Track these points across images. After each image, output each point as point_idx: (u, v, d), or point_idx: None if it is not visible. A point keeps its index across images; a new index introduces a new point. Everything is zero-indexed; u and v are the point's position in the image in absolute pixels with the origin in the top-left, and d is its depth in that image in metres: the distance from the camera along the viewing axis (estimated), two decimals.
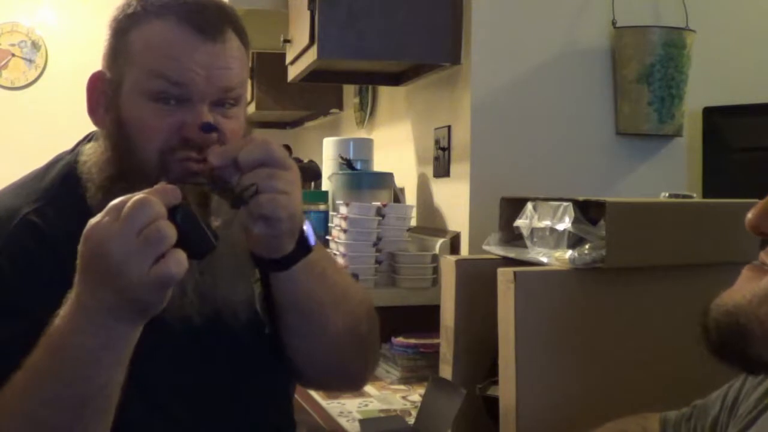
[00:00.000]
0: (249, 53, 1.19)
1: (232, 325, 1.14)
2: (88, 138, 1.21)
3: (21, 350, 0.97)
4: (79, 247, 0.94)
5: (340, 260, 2.14)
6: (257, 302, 1.18)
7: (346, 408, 1.69)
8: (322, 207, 2.45)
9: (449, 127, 2.19)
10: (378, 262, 2.15)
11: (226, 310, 1.13)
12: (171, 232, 0.91)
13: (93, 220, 0.94)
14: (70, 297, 0.96)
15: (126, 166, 1.10)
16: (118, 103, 1.12)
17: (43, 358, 0.96)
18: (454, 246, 2.14)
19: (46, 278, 1.06)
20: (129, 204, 0.91)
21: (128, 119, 1.11)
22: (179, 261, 0.91)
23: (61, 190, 1.15)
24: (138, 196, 0.92)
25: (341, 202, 2.24)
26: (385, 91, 2.88)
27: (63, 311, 0.96)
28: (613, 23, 2.07)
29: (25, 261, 1.08)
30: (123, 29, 1.14)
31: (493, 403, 1.33)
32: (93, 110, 1.16)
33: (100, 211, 0.96)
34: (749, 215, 0.78)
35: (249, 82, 3.32)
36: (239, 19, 1.17)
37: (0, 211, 1.12)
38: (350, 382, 1.37)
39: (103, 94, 1.14)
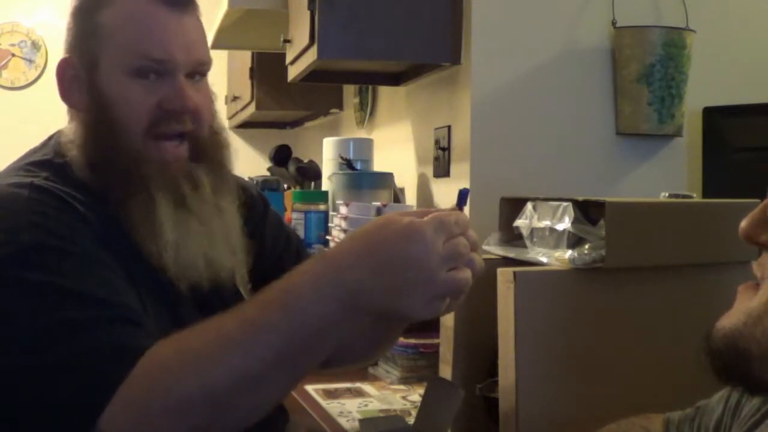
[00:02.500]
0: None
1: (230, 296, 1.19)
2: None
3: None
4: (372, 231, 0.93)
5: None
6: (240, 282, 1.23)
7: (345, 408, 1.69)
8: (322, 207, 2.45)
9: (449, 127, 2.19)
10: None
11: (225, 281, 1.18)
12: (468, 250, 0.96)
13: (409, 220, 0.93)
14: (318, 264, 0.95)
15: (107, 144, 1.14)
16: (96, 83, 1.15)
17: (273, 314, 0.94)
18: None
19: (80, 225, 1.08)
20: (449, 217, 0.94)
21: (111, 97, 1.14)
22: (468, 277, 0.95)
23: (54, 164, 1.16)
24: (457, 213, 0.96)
25: (341, 202, 2.24)
26: (385, 91, 2.88)
27: (302, 276, 0.95)
28: (613, 23, 2.07)
29: (62, 217, 1.07)
30: (89, 11, 1.16)
31: (493, 403, 1.33)
32: (66, 95, 1.19)
33: (94, 184, 1.12)
34: (742, 224, 0.77)
35: (249, 82, 3.29)
36: None
37: (4, 192, 1.10)
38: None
39: (74, 78, 1.18)
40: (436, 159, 2.27)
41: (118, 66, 1.14)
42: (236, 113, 4.27)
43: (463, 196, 1.02)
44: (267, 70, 3.47)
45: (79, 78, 1.17)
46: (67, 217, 1.07)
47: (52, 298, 0.99)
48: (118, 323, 0.99)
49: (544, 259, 1.37)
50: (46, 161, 1.17)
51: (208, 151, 1.21)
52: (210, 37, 3.05)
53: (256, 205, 1.36)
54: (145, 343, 0.97)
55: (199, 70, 1.19)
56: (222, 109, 4.58)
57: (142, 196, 1.12)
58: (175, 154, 1.17)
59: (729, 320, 0.76)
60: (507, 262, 1.45)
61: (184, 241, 1.14)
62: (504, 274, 1.28)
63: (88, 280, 1.02)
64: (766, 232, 0.76)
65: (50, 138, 1.23)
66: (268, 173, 3.51)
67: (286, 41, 2.44)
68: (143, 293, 1.09)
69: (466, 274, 0.95)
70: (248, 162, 4.64)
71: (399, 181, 2.56)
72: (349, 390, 1.83)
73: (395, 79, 2.51)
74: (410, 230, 0.92)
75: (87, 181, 1.14)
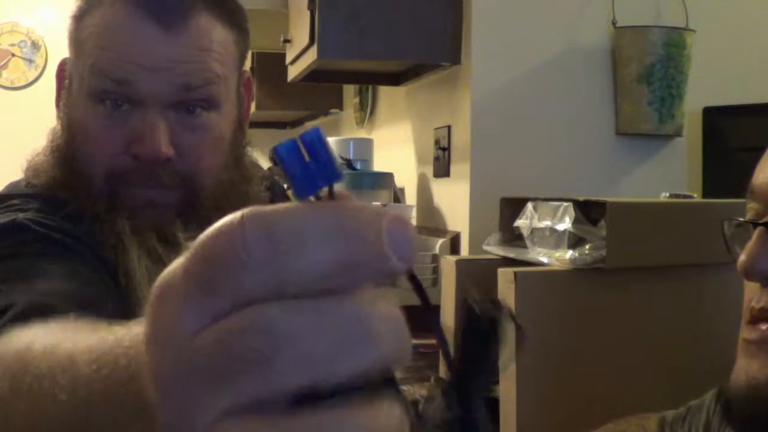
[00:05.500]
0: (243, 38, 1.00)
1: None
2: None
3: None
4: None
5: None
6: None
7: None
8: None
9: (449, 127, 2.19)
10: None
11: None
12: None
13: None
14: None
15: (71, 178, 0.93)
16: (68, 98, 0.95)
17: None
18: (454, 246, 2.13)
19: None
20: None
21: (73, 123, 0.93)
22: None
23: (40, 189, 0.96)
24: None
25: None
26: (385, 91, 2.88)
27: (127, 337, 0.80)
28: (613, 23, 2.07)
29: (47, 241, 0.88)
30: (79, 14, 0.96)
31: (493, 403, 1.33)
32: (57, 101, 0.99)
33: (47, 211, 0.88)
34: (742, 257, 0.75)
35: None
36: None
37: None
38: None
39: (61, 86, 0.98)
40: (436, 159, 2.27)
41: (83, 85, 0.92)
42: None
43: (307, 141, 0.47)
44: (267, 70, 3.47)
45: (63, 88, 0.98)
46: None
47: None
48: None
49: (544, 260, 1.37)
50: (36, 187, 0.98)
51: (207, 207, 0.94)
52: None
53: None
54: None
55: (190, 99, 0.91)
56: None
57: (118, 248, 0.90)
58: (158, 202, 0.92)
59: (762, 373, 0.73)
60: (507, 262, 1.45)
61: None
62: (504, 275, 1.28)
63: None
64: None
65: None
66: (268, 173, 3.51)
67: (286, 41, 2.44)
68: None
69: None
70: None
71: (399, 181, 2.55)
72: None
73: (395, 79, 2.51)
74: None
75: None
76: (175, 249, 0.91)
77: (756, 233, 0.76)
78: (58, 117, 0.97)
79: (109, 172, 0.91)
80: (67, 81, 0.97)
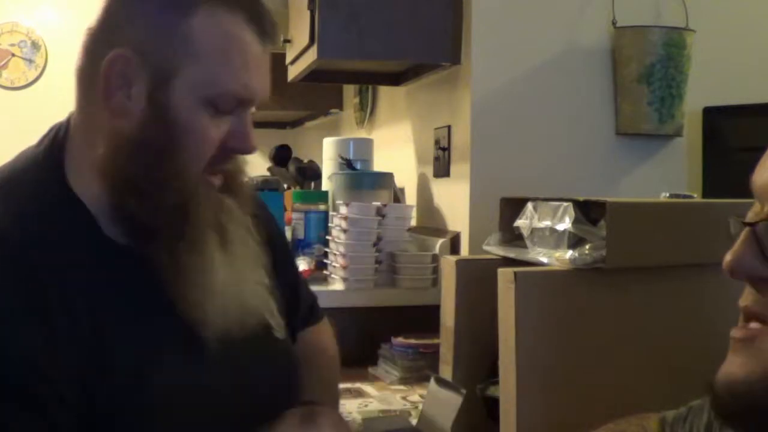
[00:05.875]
0: None
1: (258, 336, 1.08)
2: (53, 135, 1.05)
3: None
4: None
5: (341, 260, 2.14)
6: (272, 312, 1.12)
7: (346, 408, 1.68)
8: (322, 207, 2.45)
9: (449, 127, 2.19)
10: (378, 262, 2.15)
11: (252, 318, 1.06)
12: None
13: None
14: None
15: (166, 172, 0.98)
16: (163, 96, 0.97)
17: None
18: (454, 246, 2.14)
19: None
20: None
21: (178, 123, 0.98)
22: None
23: (46, 186, 1.00)
24: None
25: (341, 202, 2.24)
26: (385, 91, 2.88)
27: None
28: (613, 23, 2.07)
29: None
30: (178, 9, 0.98)
31: (493, 403, 1.33)
32: (108, 95, 0.98)
33: (114, 211, 0.97)
34: (727, 257, 0.76)
35: None
36: None
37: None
38: None
39: (122, 77, 0.97)
40: (436, 159, 2.27)
41: (196, 89, 0.98)
42: None
43: None
44: None
45: (134, 81, 0.97)
46: (16, 308, 0.91)
47: None
48: None
49: (544, 260, 1.37)
50: (37, 176, 1.01)
51: (240, 184, 1.11)
52: None
53: (274, 238, 1.22)
54: None
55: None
56: None
57: (195, 239, 0.99)
58: (214, 186, 1.05)
59: (744, 367, 0.73)
60: (507, 262, 1.45)
61: (226, 291, 1.02)
62: (504, 275, 1.28)
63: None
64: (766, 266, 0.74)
65: (53, 139, 1.04)
66: (268, 173, 3.51)
67: (286, 41, 2.44)
68: (155, 342, 0.98)
69: None
70: (248, 162, 4.64)
71: (399, 181, 2.55)
72: (349, 390, 1.83)
73: (395, 79, 2.51)
74: None
75: (94, 211, 0.99)
76: (233, 226, 1.04)
77: (744, 233, 0.76)
78: (123, 109, 0.98)
79: (209, 164, 1.01)
80: (144, 73, 0.97)
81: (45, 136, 1.06)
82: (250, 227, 1.09)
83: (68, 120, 1.06)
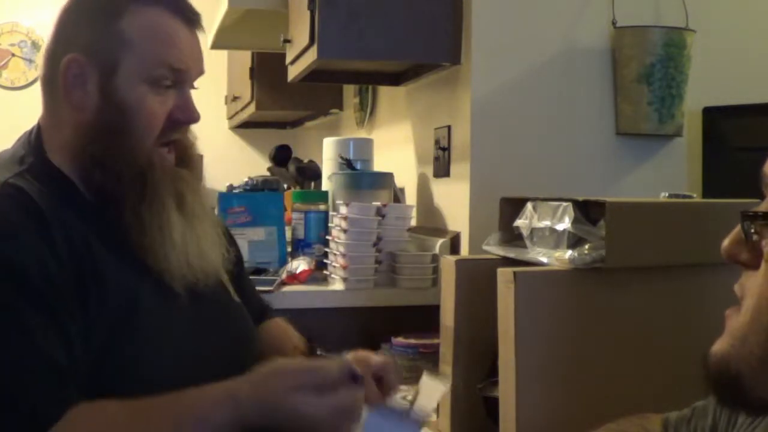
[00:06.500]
0: None
1: (220, 289, 1.28)
2: (27, 134, 1.25)
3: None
4: (271, 380, 1.07)
5: (341, 260, 2.14)
6: (226, 279, 1.31)
7: None
8: (322, 207, 2.45)
9: (449, 127, 2.19)
10: (378, 262, 2.15)
11: (211, 275, 1.25)
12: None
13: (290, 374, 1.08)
14: (221, 394, 1.07)
15: (122, 148, 1.17)
16: (112, 87, 1.17)
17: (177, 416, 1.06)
18: (454, 246, 2.14)
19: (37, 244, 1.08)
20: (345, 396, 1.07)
21: (128, 103, 1.17)
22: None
23: (33, 161, 1.19)
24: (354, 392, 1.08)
25: (341, 202, 2.24)
26: (385, 91, 2.88)
27: (207, 395, 1.07)
28: (613, 23, 2.07)
29: (27, 229, 1.09)
30: (111, 14, 1.19)
31: (493, 403, 1.33)
32: (67, 93, 1.19)
33: (89, 186, 1.17)
34: (724, 243, 0.78)
35: (249, 82, 3.30)
36: None
37: None
38: None
39: (79, 77, 1.18)
40: (436, 159, 2.27)
41: (138, 73, 1.17)
42: (236, 113, 4.27)
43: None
44: (267, 70, 3.47)
45: (87, 79, 1.18)
46: (31, 232, 1.08)
47: None
48: (37, 385, 1.03)
49: (544, 259, 1.37)
50: (24, 157, 1.19)
51: (191, 156, 1.29)
52: (210, 37, 3.05)
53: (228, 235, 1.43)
54: (59, 409, 1.02)
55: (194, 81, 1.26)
56: (222, 109, 4.58)
57: (154, 201, 1.18)
58: (169, 159, 1.24)
59: (720, 345, 0.77)
60: (507, 262, 1.45)
61: (186, 244, 1.20)
62: (504, 274, 1.28)
63: (21, 326, 1.04)
64: (745, 251, 0.76)
65: (29, 134, 1.24)
66: (268, 173, 3.51)
67: (286, 41, 2.44)
68: (137, 290, 1.15)
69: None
70: (248, 162, 4.64)
71: (399, 181, 2.56)
72: None
73: (395, 79, 2.51)
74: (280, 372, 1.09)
75: (74, 181, 1.19)
76: (190, 193, 1.23)
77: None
78: (83, 101, 1.18)
79: (158, 135, 1.20)
80: (93, 71, 1.17)
81: (18, 139, 1.26)
82: (203, 194, 1.27)
83: (38, 123, 1.26)
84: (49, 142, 1.21)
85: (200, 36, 1.26)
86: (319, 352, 1.32)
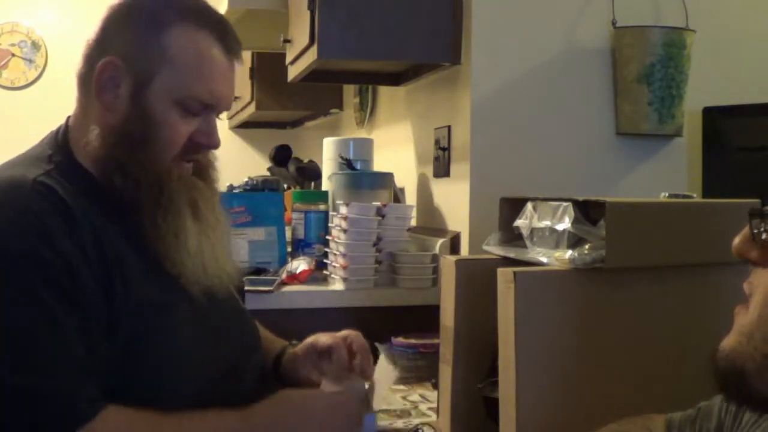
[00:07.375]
0: None
1: (231, 296, 1.34)
2: (55, 132, 1.27)
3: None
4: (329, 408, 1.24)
5: (341, 260, 2.14)
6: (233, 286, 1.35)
7: None
8: (322, 207, 2.45)
9: (449, 127, 2.19)
10: (378, 262, 2.15)
11: (226, 284, 1.29)
12: None
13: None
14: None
15: (144, 155, 1.20)
16: (143, 96, 1.19)
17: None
18: (454, 246, 2.14)
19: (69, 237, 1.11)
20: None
21: (154, 116, 1.19)
22: None
23: (61, 160, 1.21)
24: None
25: (341, 202, 2.24)
26: (385, 91, 2.88)
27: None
28: (613, 23, 2.07)
29: (56, 225, 1.11)
30: (157, 25, 1.20)
31: (493, 403, 1.33)
32: (100, 92, 1.20)
33: (111, 186, 1.18)
34: (735, 241, 0.79)
35: (249, 82, 3.32)
36: None
37: (5, 183, 1.15)
38: None
39: (113, 79, 1.19)
40: (436, 159, 2.27)
41: (169, 92, 1.19)
42: (236, 113, 4.27)
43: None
44: (267, 70, 3.47)
45: (121, 83, 1.19)
46: (61, 230, 1.11)
47: (13, 340, 1.05)
48: (71, 381, 1.06)
49: (544, 260, 1.37)
50: (52, 156, 1.21)
51: (208, 170, 1.33)
52: None
53: None
54: (93, 408, 1.06)
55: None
56: None
57: (170, 209, 1.21)
58: (186, 168, 1.27)
59: (728, 341, 0.78)
60: (507, 262, 1.45)
61: (201, 250, 1.24)
62: (504, 275, 1.27)
63: (52, 329, 1.07)
64: (755, 248, 0.77)
65: (56, 133, 1.26)
66: (268, 173, 3.51)
67: (286, 41, 2.44)
68: (154, 288, 1.19)
69: None
70: (248, 162, 4.64)
71: (399, 181, 2.56)
72: None
73: (395, 79, 2.51)
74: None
75: (100, 181, 1.21)
76: (204, 202, 1.27)
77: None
78: (113, 104, 1.20)
79: (178, 154, 1.22)
80: (127, 77, 1.19)
81: (45, 137, 1.27)
82: (218, 205, 1.30)
83: (66, 121, 1.27)
84: (76, 142, 1.22)
85: (237, 66, 1.27)
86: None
